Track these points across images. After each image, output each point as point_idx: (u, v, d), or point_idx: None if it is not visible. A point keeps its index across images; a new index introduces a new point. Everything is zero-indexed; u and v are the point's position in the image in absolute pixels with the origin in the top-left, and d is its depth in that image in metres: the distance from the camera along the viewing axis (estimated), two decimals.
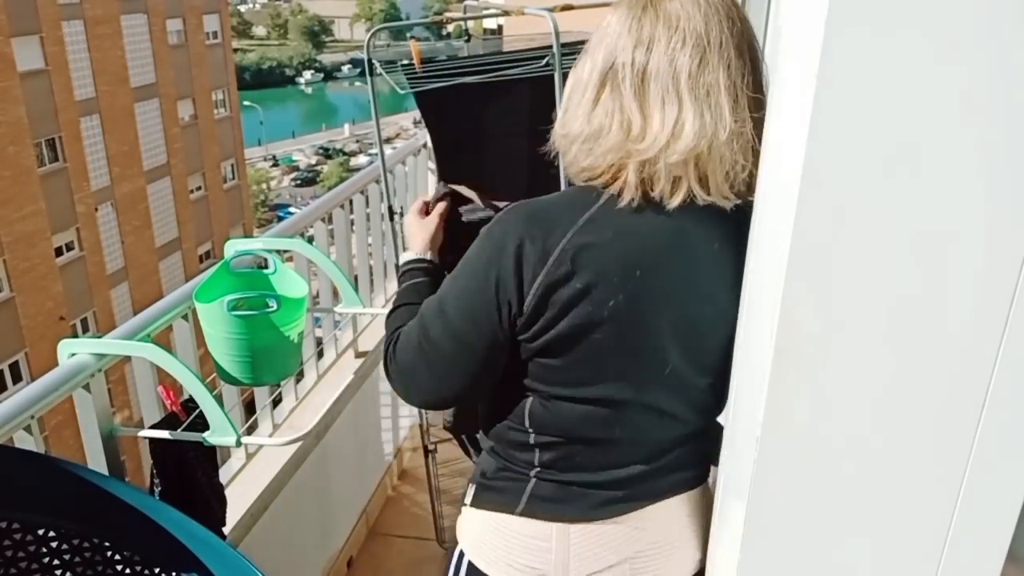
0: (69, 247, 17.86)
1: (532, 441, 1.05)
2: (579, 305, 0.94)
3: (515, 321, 0.97)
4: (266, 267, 1.60)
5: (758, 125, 0.91)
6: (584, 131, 0.96)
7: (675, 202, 0.94)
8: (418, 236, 1.33)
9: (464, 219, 1.55)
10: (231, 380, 1.52)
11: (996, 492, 0.79)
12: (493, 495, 1.10)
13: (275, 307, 1.46)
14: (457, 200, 1.56)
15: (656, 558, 1.09)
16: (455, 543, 1.16)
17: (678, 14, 0.93)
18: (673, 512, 1.10)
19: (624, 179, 0.94)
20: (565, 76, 1.67)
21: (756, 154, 0.92)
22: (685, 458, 1.10)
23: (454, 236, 1.36)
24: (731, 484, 0.95)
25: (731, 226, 0.96)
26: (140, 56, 19.87)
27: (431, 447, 2.62)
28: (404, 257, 1.30)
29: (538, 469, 1.07)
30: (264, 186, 37.83)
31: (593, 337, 0.96)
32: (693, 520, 1.11)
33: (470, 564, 1.12)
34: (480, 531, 1.12)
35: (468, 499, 1.14)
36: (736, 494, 0.92)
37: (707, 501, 1.12)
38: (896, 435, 0.80)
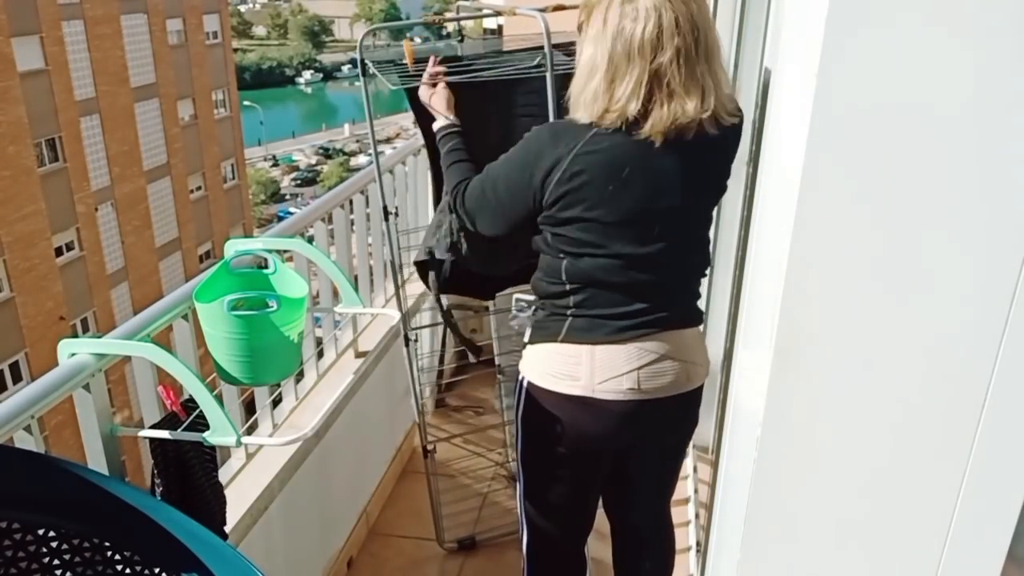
0: (69, 247, 17.84)
1: (567, 289, 1.51)
2: (583, 191, 1.41)
3: (542, 203, 1.46)
4: (266, 267, 1.60)
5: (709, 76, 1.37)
6: (600, 89, 1.38)
7: (641, 135, 1.38)
8: (440, 104, 1.80)
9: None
10: (231, 380, 1.52)
11: (996, 492, 0.79)
12: (543, 332, 1.57)
13: (275, 307, 1.46)
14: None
15: (654, 371, 1.52)
16: (519, 373, 1.64)
17: (649, 7, 1.35)
18: (667, 342, 1.53)
19: (611, 118, 1.38)
20: (556, 76, 1.84)
21: (704, 93, 1.37)
22: (675, 304, 1.55)
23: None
24: (731, 484, 0.96)
25: (690, 148, 1.41)
26: (140, 56, 19.86)
27: (431, 447, 2.62)
28: (437, 124, 1.78)
29: (573, 309, 1.52)
30: (268, 182, 37.95)
31: (598, 213, 1.43)
32: (681, 350, 1.55)
33: (529, 383, 1.60)
34: (534, 358, 1.60)
35: (526, 338, 1.62)
36: (736, 494, 0.92)
37: (692, 340, 1.59)
38: (896, 435, 0.80)
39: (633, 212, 1.44)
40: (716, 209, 2.51)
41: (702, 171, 1.48)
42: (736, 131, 1.49)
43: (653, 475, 1.79)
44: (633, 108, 1.36)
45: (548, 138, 1.45)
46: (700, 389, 1.64)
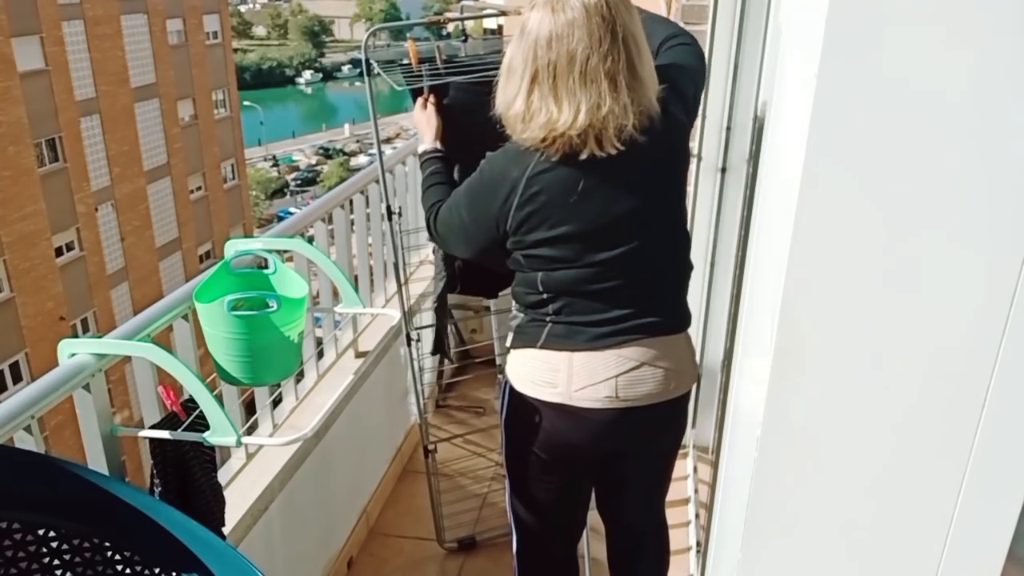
0: (69, 247, 17.83)
1: (544, 298, 1.51)
2: (544, 210, 1.43)
3: (507, 230, 1.48)
4: (266, 267, 1.60)
5: (639, 90, 1.38)
6: (522, 113, 1.41)
7: (584, 155, 1.39)
8: (428, 130, 1.82)
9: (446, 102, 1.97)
10: (231, 380, 1.52)
11: (996, 492, 0.79)
12: (523, 337, 1.57)
13: (275, 307, 1.46)
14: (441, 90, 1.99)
15: (633, 378, 1.51)
16: (505, 377, 1.64)
17: (571, 20, 1.34)
18: (648, 348, 1.51)
19: (551, 143, 1.39)
20: None
21: (639, 114, 1.38)
22: (655, 310, 1.53)
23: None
24: (731, 484, 0.96)
25: (637, 148, 1.42)
26: (140, 56, 19.85)
27: (431, 447, 2.62)
28: (421, 147, 1.80)
29: (552, 316, 1.52)
30: (268, 182, 38.00)
31: (564, 229, 1.43)
32: (663, 357, 1.53)
33: (511, 388, 1.61)
34: (516, 363, 1.60)
35: (508, 343, 1.63)
36: (736, 494, 0.92)
37: (676, 347, 1.56)
38: (896, 435, 0.80)
39: (598, 219, 1.44)
40: (714, 211, 2.52)
41: (654, 167, 1.48)
42: (671, 122, 1.48)
43: (643, 480, 1.78)
44: (518, 108, 1.40)
45: (502, 164, 1.47)
46: (686, 396, 1.62)
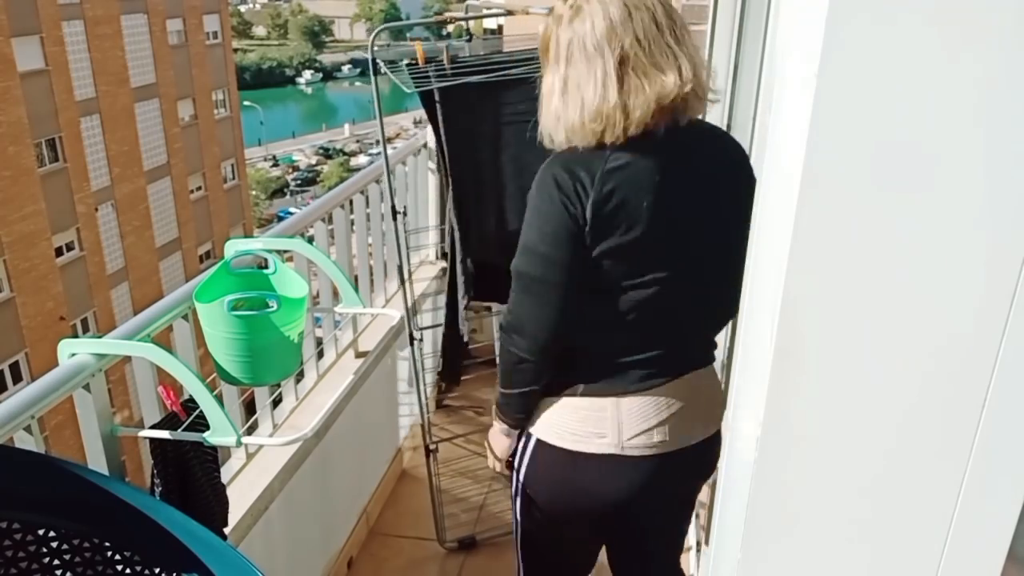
0: (69, 247, 17.84)
1: (589, 334, 1.34)
2: (620, 213, 1.25)
3: (585, 227, 1.26)
4: (266, 267, 1.60)
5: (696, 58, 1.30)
6: (619, 102, 1.25)
7: (659, 137, 1.27)
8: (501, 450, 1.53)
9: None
10: (231, 380, 1.52)
11: (996, 492, 0.79)
12: (557, 382, 1.39)
13: (275, 307, 1.46)
14: None
15: (682, 418, 1.39)
16: (527, 432, 1.45)
17: (609, 13, 1.26)
18: (692, 384, 1.41)
19: (622, 137, 1.26)
20: None
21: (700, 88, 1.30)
22: (698, 343, 1.45)
23: None
24: (731, 484, 0.95)
25: (713, 146, 1.41)
26: (140, 56, 19.86)
27: (432, 447, 2.62)
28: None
29: (594, 356, 1.36)
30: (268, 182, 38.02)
31: (634, 234, 1.26)
32: (706, 392, 1.45)
33: (539, 441, 1.42)
34: (547, 412, 1.40)
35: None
36: (736, 494, 0.92)
37: (713, 380, 1.48)
38: (896, 435, 0.80)
39: (673, 224, 1.29)
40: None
41: (727, 175, 1.37)
42: (736, 148, 1.42)
43: (667, 528, 1.65)
44: (612, 101, 1.24)
45: (561, 170, 1.28)
46: (720, 431, 1.48)
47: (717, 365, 1.65)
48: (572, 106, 1.27)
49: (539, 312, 1.32)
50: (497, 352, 1.45)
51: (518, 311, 1.33)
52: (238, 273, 1.59)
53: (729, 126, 2.36)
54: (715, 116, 2.38)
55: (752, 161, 1.43)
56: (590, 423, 1.36)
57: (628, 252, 1.28)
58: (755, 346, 0.88)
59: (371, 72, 2.16)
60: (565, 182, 1.26)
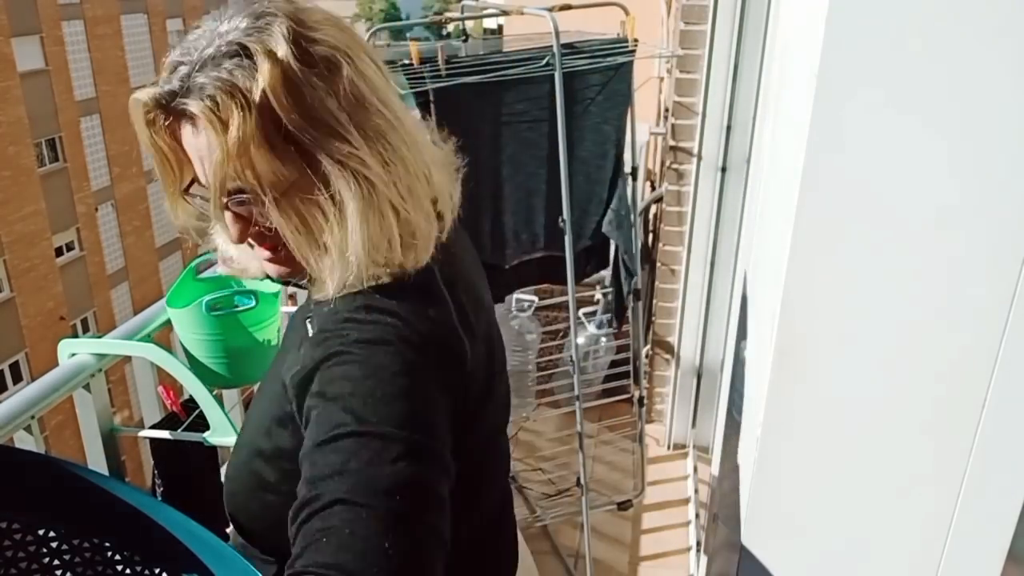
0: (69, 247, 17.83)
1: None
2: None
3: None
4: None
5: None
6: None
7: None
8: None
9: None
10: (219, 383, 1.51)
11: (996, 492, 0.79)
12: None
13: (253, 304, 1.46)
14: None
15: None
16: None
17: None
18: None
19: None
20: (565, 75, 1.68)
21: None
22: None
23: None
24: (732, 484, 0.95)
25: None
26: (140, 56, 19.85)
27: None
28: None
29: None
30: None
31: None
32: None
33: None
34: None
35: None
36: (737, 493, 0.92)
37: None
38: (896, 435, 0.80)
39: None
40: (714, 210, 2.52)
41: None
42: None
43: None
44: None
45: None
46: None
47: (717, 365, 1.65)
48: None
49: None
50: None
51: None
52: (204, 278, 1.58)
53: (729, 126, 2.36)
54: (715, 116, 2.39)
55: (752, 161, 1.42)
56: None
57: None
58: (755, 346, 0.88)
59: None
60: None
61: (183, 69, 0.73)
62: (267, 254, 0.81)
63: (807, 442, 0.83)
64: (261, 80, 0.70)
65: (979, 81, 0.68)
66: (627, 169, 2.31)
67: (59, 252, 17.46)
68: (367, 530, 0.65)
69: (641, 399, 2.53)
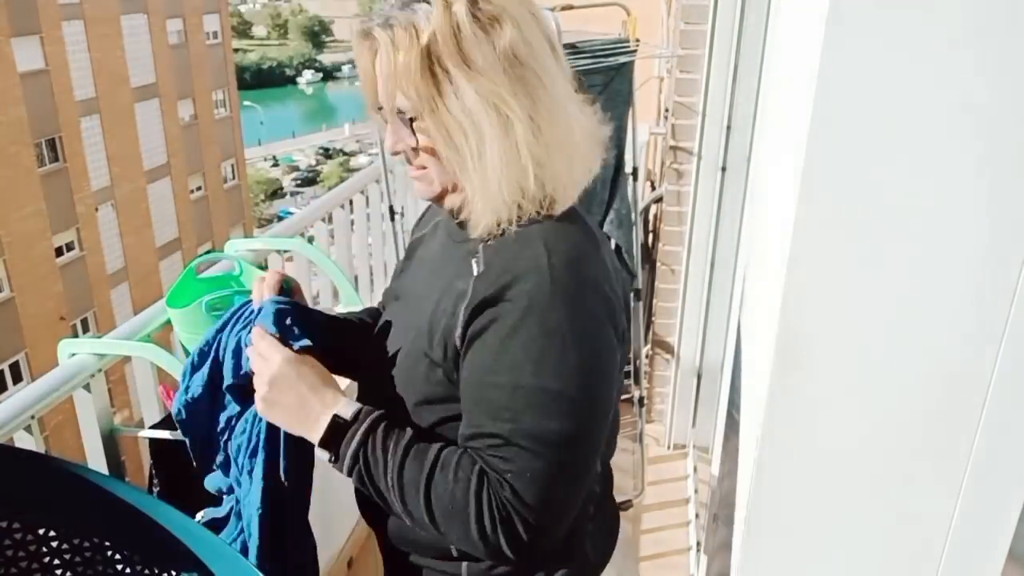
0: (69, 247, 17.85)
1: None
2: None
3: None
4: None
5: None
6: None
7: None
8: (319, 386, 0.99)
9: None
10: None
11: (996, 492, 0.79)
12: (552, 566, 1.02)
13: None
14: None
15: None
16: None
17: None
18: None
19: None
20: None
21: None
22: None
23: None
24: (732, 483, 0.95)
25: None
26: (140, 56, 19.86)
27: None
28: (340, 411, 0.96)
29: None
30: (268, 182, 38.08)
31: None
32: None
33: None
34: None
35: None
36: (736, 494, 0.92)
37: None
38: (897, 435, 0.80)
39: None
40: (714, 210, 2.52)
41: None
42: None
43: None
44: None
45: (587, 255, 0.94)
46: None
47: (717, 365, 1.65)
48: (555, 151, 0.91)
49: (575, 490, 0.88)
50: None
51: (553, 509, 0.87)
52: (204, 278, 1.58)
53: (729, 126, 2.36)
54: (715, 116, 2.39)
55: (751, 161, 1.42)
56: None
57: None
58: (755, 346, 0.88)
59: None
60: (598, 276, 0.91)
61: (387, 9, 0.90)
62: (416, 172, 0.94)
63: (807, 442, 0.83)
64: (433, 22, 0.85)
65: (979, 81, 0.68)
66: (628, 169, 2.31)
67: (59, 252, 17.47)
68: (546, 479, 0.82)
69: (641, 399, 2.53)
